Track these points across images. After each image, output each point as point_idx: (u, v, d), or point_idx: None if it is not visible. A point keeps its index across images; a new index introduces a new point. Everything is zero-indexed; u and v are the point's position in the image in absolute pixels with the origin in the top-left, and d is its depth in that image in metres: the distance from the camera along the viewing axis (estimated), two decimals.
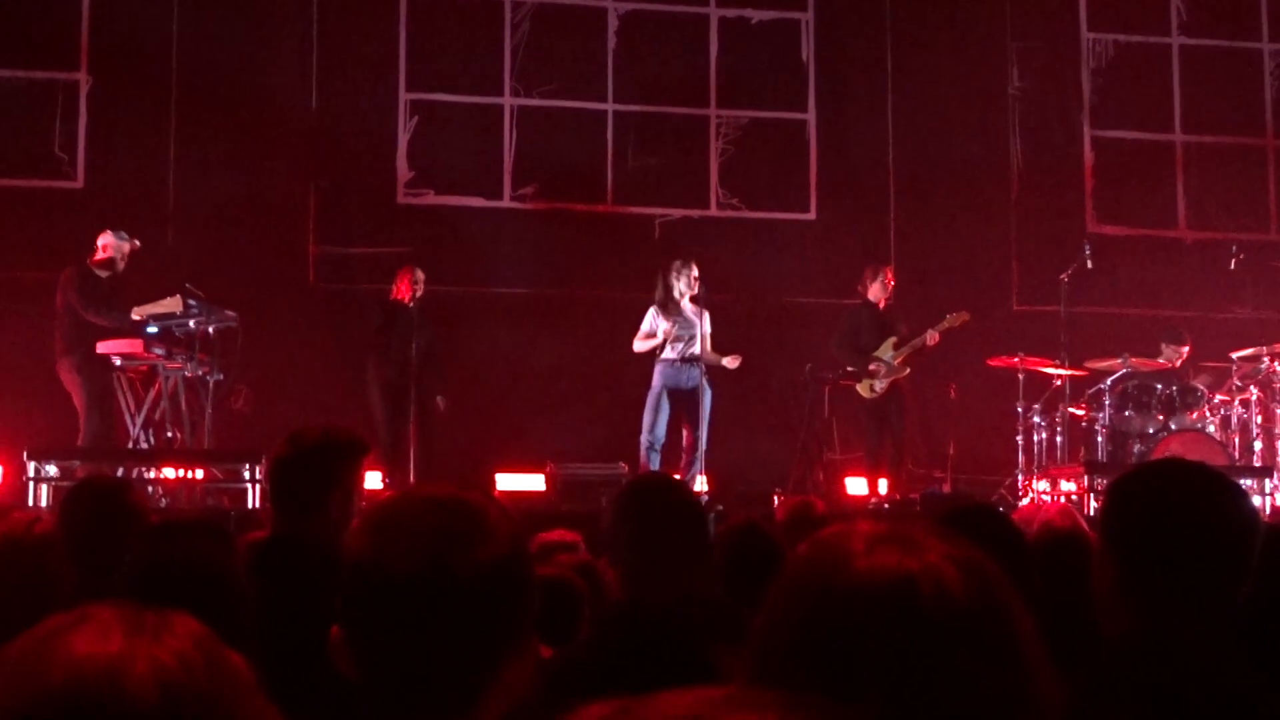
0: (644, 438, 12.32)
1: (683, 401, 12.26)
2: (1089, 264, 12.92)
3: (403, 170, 14.93)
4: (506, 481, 12.14)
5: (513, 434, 13.51)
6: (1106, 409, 12.50)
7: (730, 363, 12.24)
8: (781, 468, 13.03)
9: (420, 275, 12.64)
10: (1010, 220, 15.72)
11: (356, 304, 13.51)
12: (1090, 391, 12.77)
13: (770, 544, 4.76)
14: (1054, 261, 13.48)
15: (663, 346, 12.32)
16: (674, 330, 12.26)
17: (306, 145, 14.54)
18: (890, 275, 12.88)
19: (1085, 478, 11.61)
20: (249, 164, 14.23)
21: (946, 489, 12.54)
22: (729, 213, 15.33)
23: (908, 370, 12.64)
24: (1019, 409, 12.85)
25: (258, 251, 14.01)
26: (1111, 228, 15.88)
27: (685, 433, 12.31)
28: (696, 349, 12.23)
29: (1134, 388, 12.59)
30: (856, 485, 12.48)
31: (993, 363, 12.94)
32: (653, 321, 12.34)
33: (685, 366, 12.23)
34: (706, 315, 12.34)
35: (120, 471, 10.63)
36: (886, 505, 11.87)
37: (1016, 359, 12.77)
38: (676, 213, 15.18)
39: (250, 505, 10.43)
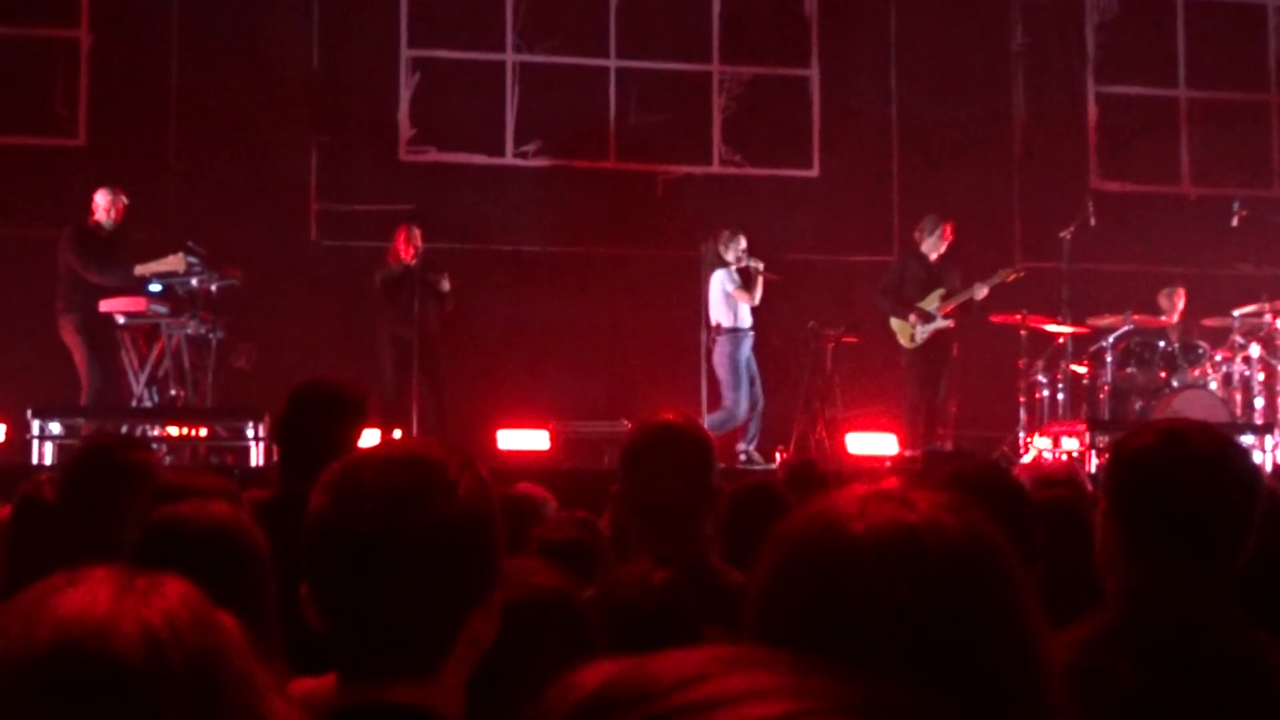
0: (740, 412, 12.40)
1: (749, 370, 12.58)
2: (1091, 220, 12.90)
3: (404, 127, 14.89)
4: (509, 439, 12.16)
5: (516, 392, 13.51)
6: (1108, 366, 12.50)
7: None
8: (784, 426, 13.04)
9: (417, 232, 12.62)
10: (1013, 177, 15.70)
11: (358, 261, 13.50)
12: (1092, 348, 12.77)
13: (784, 506, 4.74)
14: (1057, 218, 13.47)
15: (736, 315, 12.44)
16: (751, 296, 12.45)
17: (308, 102, 14.50)
18: (949, 231, 12.78)
19: (1087, 435, 11.62)
20: (250, 121, 14.19)
21: (948, 446, 12.55)
22: (731, 169, 15.30)
23: (951, 323, 12.60)
24: (1021, 366, 12.86)
25: (259, 209, 13.99)
26: (1114, 184, 15.86)
27: (756, 402, 12.59)
28: (751, 318, 12.55)
29: (1136, 344, 12.59)
30: (859, 442, 12.47)
31: (995, 319, 12.92)
32: (730, 284, 12.45)
33: (747, 336, 12.49)
34: (760, 283, 12.49)
35: (124, 429, 10.65)
36: (887, 464, 11.88)
37: (1019, 316, 12.76)
38: (679, 169, 15.16)
39: (254, 463, 10.45)
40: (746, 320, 12.48)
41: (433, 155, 14.89)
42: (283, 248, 13.99)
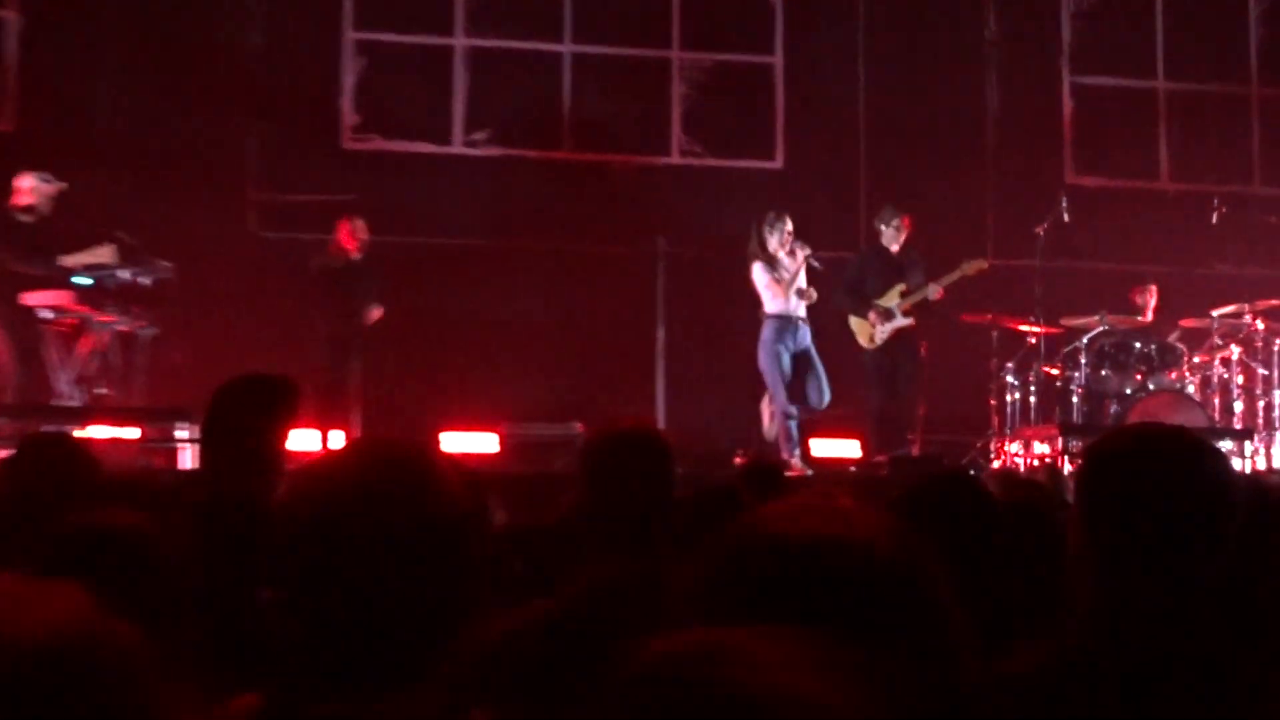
0: (780, 408, 12.04)
1: (794, 365, 12.08)
2: (1066, 217, 12.96)
3: (348, 113, 14.84)
4: (454, 442, 12.14)
5: (462, 392, 13.48)
6: (1082, 368, 12.56)
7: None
8: (744, 426, 13.05)
9: (361, 225, 12.59)
10: (986, 171, 15.74)
11: (299, 253, 13.42)
12: (1066, 350, 12.83)
13: (732, 495, 4.74)
14: (1030, 214, 13.52)
15: (776, 300, 12.07)
16: (784, 288, 12.05)
17: (247, 86, 14.42)
18: (907, 223, 12.70)
19: (1060, 439, 11.68)
20: (186, 105, 14.10)
21: (916, 451, 12.57)
22: (691, 160, 15.30)
23: (911, 321, 12.53)
24: (992, 367, 12.92)
25: (195, 198, 13.88)
26: (1090, 179, 15.93)
27: (806, 393, 12.12)
28: (801, 310, 12.11)
29: (1111, 346, 12.65)
30: (822, 447, 12.49)
31: (966, 319, 12.97)
32: (765, 275, 12.07)
33: (791, 329, 12.04)
34: (802, 271, 12.12)
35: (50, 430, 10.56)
36: (852, 469, 11.89)
37: (990, 316, 12.82)
38: (637, 159, 15.15)
39: (185, 465, 10.39)
40: (788, 307, 12.02)
41: (377, 143, 14.84)
42: (219, 239, 13.90)
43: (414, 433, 12.05)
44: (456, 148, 14.96)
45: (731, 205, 14.67)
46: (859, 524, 1.57)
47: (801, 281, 12.05)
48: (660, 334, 12.95)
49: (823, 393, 11.99)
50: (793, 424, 12.01)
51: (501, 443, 12.14)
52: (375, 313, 12.55)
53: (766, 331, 12.02)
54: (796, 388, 12.07)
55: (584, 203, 14.68)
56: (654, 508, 3.71)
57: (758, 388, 12.53)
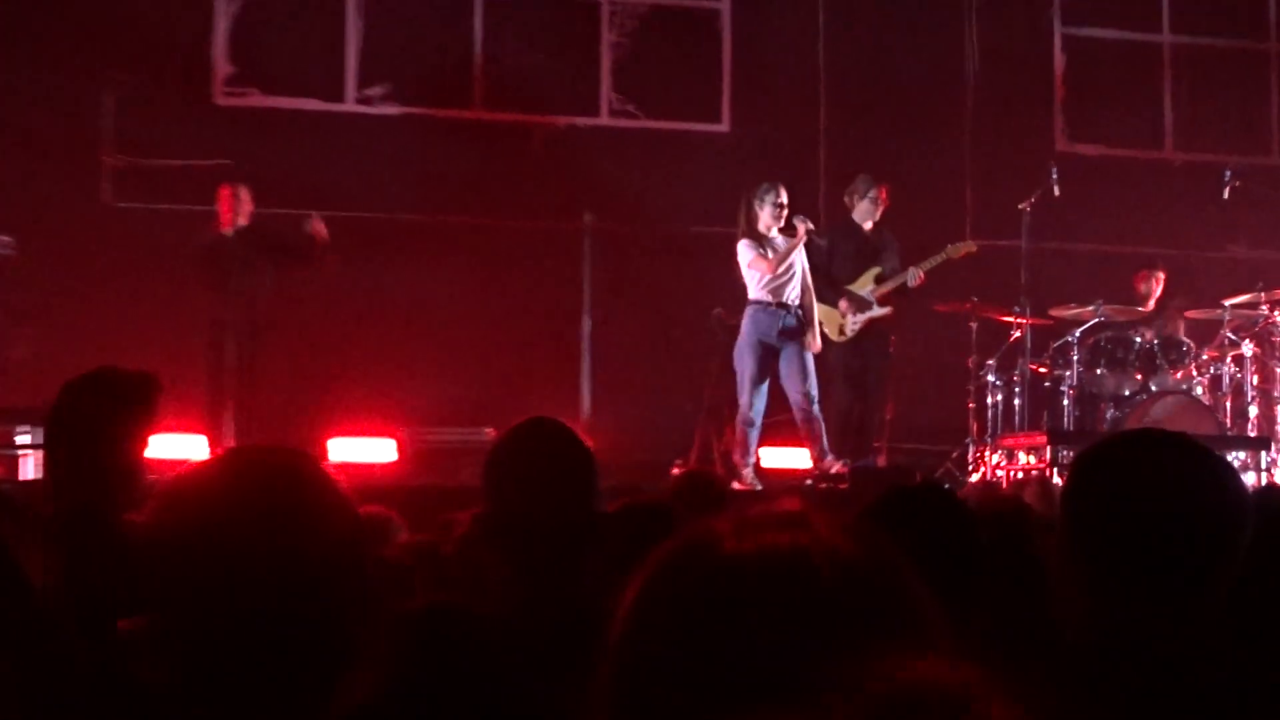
0: (742, 414, 11.95)
1: (779, 358, 11.96)
2: (1056, 190, 13.00)
3: (221, 65, 14.74)
4: (345, 449, 12.15)
5: (355, 391, 13.41)
6: (1074, 366, 12.63)
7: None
8: (683, 434, 13.07)
9: (245, 194, 12.52)
10: (963, 137, 15.79)
11: (163, 227, 13.33)
12: (1056, 344, 12.91)
13: (662, 512, 4.73)
14: (1015, 187, 13.58)
15: (760, 284, 11.94)
16: (772, 265, 11.90)
17: (101, 34, 14.29)
18: (885, 195, 12.71)
19: (1048, 449, 11.74)
20: (29, 56, 13.98)
21: (881, 462, 12.60)
22: (623, 121, 15.29)
23: (888, 311, 12.56)
24: (970, 365, 12.96)
25: (40, 164, 13.76)
26: (1085, 147, 16.02)
27: (797, 403, 11.98)
28: (797, 292, 12.00)
29: (1108, 341, 12.74)
30: (773, 456, 12.50)
31: (941, 309, 13.02)
32: (749, 253, 11.95)
33: (782, 313, 11.93)
34: (802, 250, 12.04)
35: None
36: (808, 481, 11.91)
37: (969, 304, 12.86)
38: (560, 120, 15.13)
39: (26, 475, 10.32)
40: (774, 291, 11.95)
41: (256, 99, 14.76)
42: (68, 211, 13.78)
43: (297, 439, 12.00)
44: (349, 105, 14.89)
45: (670, 174, 14.70)
46: (821, 529, 1.56)
47: (801, 262, 12.03)
48: (586, 325, 12.96)
49: (805, 401, 11.89)
50: (752, 432, 11.98)
51: (401, 450, 12.11)
52: (315, 223, 12.46)
53: (745, 321, 11.99)
54: (775, 387, 12.04)
55: (498, 171, 14.65)
56: (571, 525, 3.71)
57: (710, 389, 12.57)
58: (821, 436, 11.91)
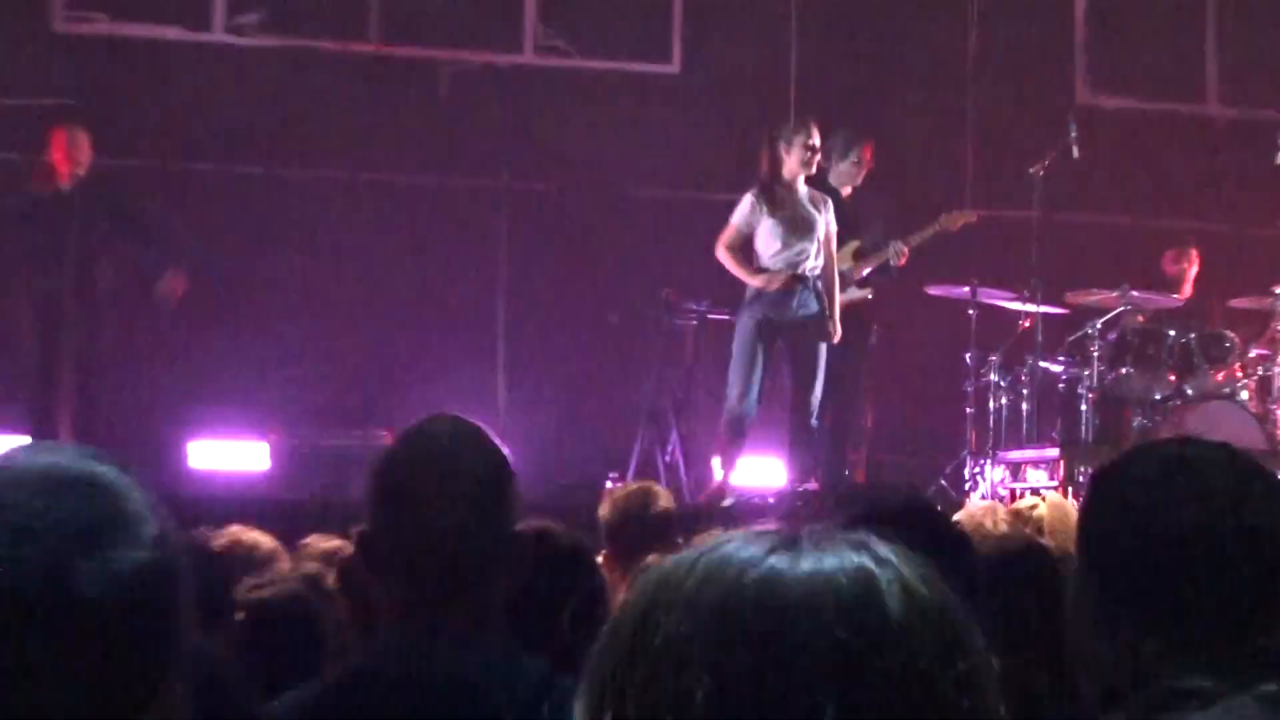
0: (729, 406, 11.93)
1: (788, 344, 11.95)
2: (1075, 151, 13.05)
3: None
4: (208, 454, 12.26)
5: (221, 384, 13.38)
6: (1095, 363, 12.65)
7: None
8: (620, 442, 13.06)
9: (81, 139, 12.44)
10: (965, 85, 15.80)
11: None
12: (1073, 338, 12.96)
13: (577, 560, 4.71)
14: (1025, 147, 13.64)
15: (767, 256, 11.90)
16: (779, 232, 11.85)
17: None
18: (869, 153, 12.76)
19: (1062, 464, 11.76)
20: None
21: (860, 477, 12.61)
22: (551, 60, 15.26)
23: (869, 293, 12.60)
24: (969, 360, 12.98)
25: None
26: (1110, 99, 16.04)
27: (791, 391, 12.00)
28: (812, 262, 11.94)
29: (1135, 333, 12.79)
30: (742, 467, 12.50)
31: (933, 291, 13.03)
32: (746, 216, 11.93)
33: (794, 290, 11.88)
34: (829, 210, 12.01)
35: None
36: (771, 500, 11.89)
37: (968, 288, 12.88)
38: (474, 57, 15.10)
39: None
40: (784, 262, 11.87)
41: (103, 27, 14.67)
42: None
43: (151, 441, 11.97)
44: (217, 34, 14.82)
45: (607, 124, 14.66)
46: (881, 551, 1.58)
47: (831, 223, 11.98)
48: (501, 308, 12.90)
49: (810, 401, 11.92)
50: (739, 433, 11.98)
51: (275, 456, 12.09)
52: (172, 283, 12.43)
53: (743, 310, 12.02)
54: (778, 379, 12.06)
55: (397, 118, 14.62)
56: (478, 551, 3.67)
57: (654, 387, 12.56)
58: (811, 452, 11.98)
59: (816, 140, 11.91)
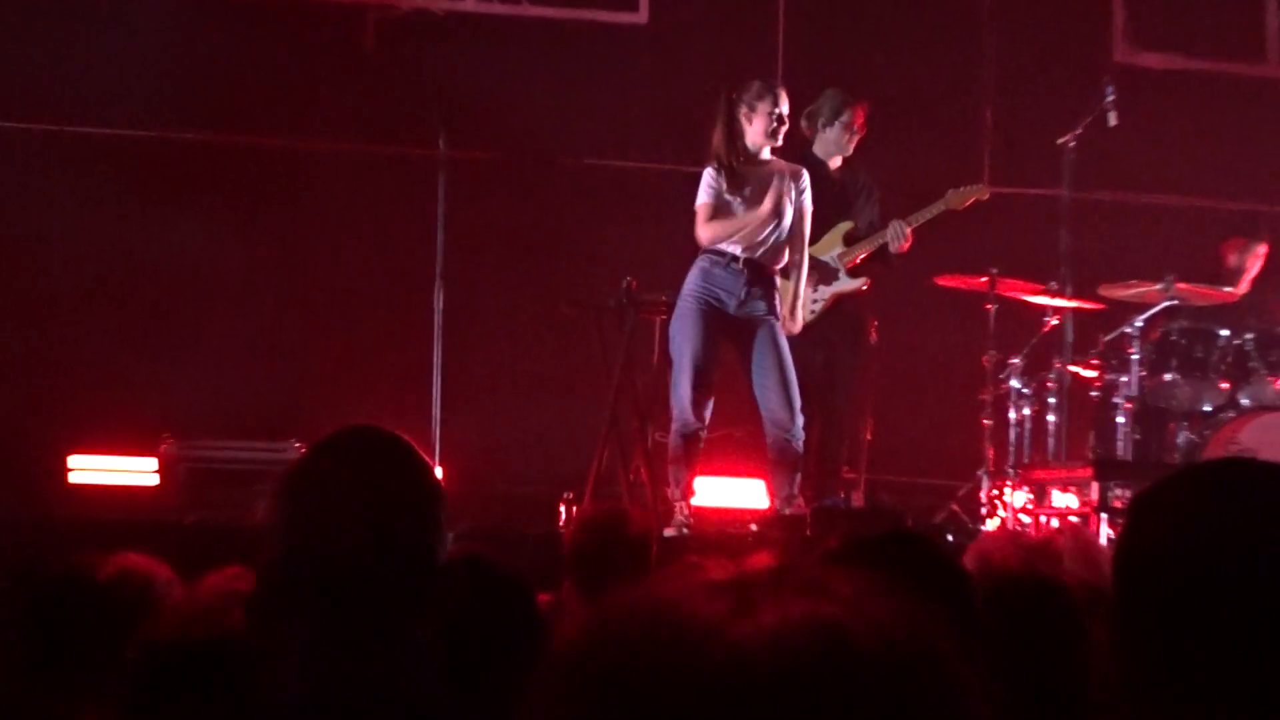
0: (679, 420, 11.93)
1: (739, 339, 11.92)
2: (1113, 119, 13.06)
3: None
4: (90, 468, 12.33)
5: (105, 387, 13.41)
6: (1134, 369, 12.66)
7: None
8: (578, 456, 13.05)
9: None
10: (983, 39, 15.87)
11: None
12: (1108, 338, 12.99)
13: (515, 592, 4.72)
14: (1053, 114, 13.66)
15: (715, 233, 11.86)
16: (741, 212, 11.83)
17: None
18: (861, 115, 12.73)
19: (1094, 486, 11.75)
20: None
21: (857, 501, 12.62)
22: (496, 6, 15.29)
23: (864, 284, 12.64)
24: (987, 365, 12.98)
25: None
26: (1153, 57, 16.11)
27: (761, 403, 11.92)
28: (777, 241, 11.96)
29: (1181, 334, 12.82)
30: (707, 490, 12.50)
31: (943, 283, 13.04)
32: (713, 185, 11.88)
33: (750, 273, 11.87)
34: (804, 184, 12.03)
35: None
36: (753, 526, 11.91)
37: (985, 279, 12.88)
38: (405, 3, 15.10)
39: None
40: (740, 240, 11.87)
41: None
42: None
43: (25, 452, 12.00)
44: None
45: (562, 84, 14.68)
46: (850, 594, 1.58)
47: (806, 201, 12.02)
48: (439, 297, 12.84)
49: (790, 402, 11.83)
50: (691, 449, 11.97)
51: (165, 471, 12.10)
52: None
53: (690, 280, 11.98)
54: (744, 392, 12.02)
55: (315, 74, 14.69)
56: (400, 577, 3.61)
57: (615, 391, 12.54)
58: (797, 472, 11.91)
59: (784, 107, 11.89)
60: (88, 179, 14.18)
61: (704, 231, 11.79)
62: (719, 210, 11.77)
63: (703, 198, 11.83)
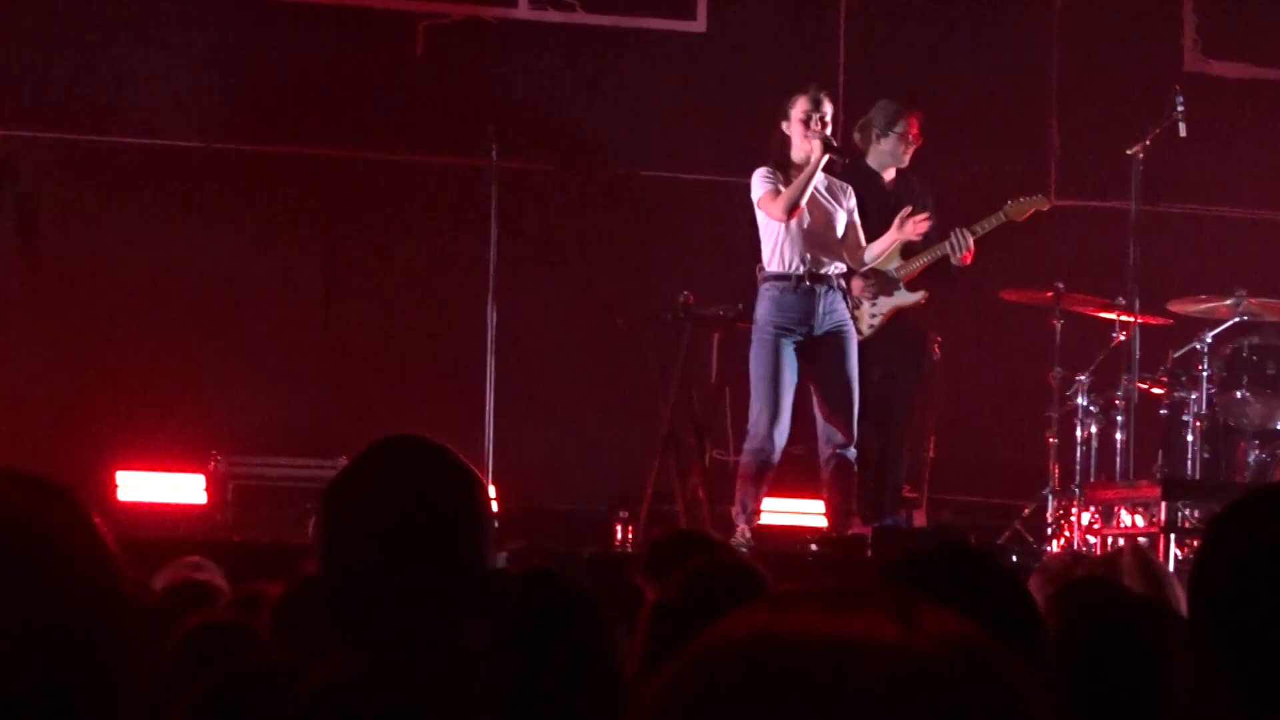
0: (753, 440, 11.95)
1: (812, 360, 11.95)
2: (1183, 130, 12.99)
3: None
4: (138, 486, 12.41)
5: (153, 404, 13.42)
6: (1204, 386, 12.60)
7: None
8: (633, 473, 13.03)
9: None
10: (1049, 51, 15.82)
11: None
12: (1177, 354, 12.89)
13: (585, 611, 4.67)
14: (1121, 125, 13.58)
15: (781, 250, 11.91)
16: (797, 220, 11.86)
17: None
18: (916, 127, 12.75)
19: (1163, 506, 11.70)
20: None
21: (918, 520, 12.58)
22: (550, 14, 15.26)
23: (922, 297, 12.63)
24: (1053, 382, 12.93)
25: None
26: (1225, 65, 16.03)
27: (821, 417, 11.98)
28: (835, 259, 12.01)
29: (1253, 350, 12.71)
30: (770, 507, 12.48)
31: (1008, 297, 12.99)
32: (768, 177, 11.90)
33: (815, 292, 11.91)
34: (850, 198, 12.09)
35: None
36: (813, 545, 11.88)
37: (1050, 294, 12.84)
38: (457, 10, 15.09)
39: None
40: (799, 257, 11.91)
41: None
42: None
43: (70, 469, 11.96)
44: None
45: (618, 93, 14.67)
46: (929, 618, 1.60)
47: (843, 216, 12.02)
48: (491, 310, 12.82)
49: (849, 420, 11.87)
50: (765, 469, 11.97)
51: (213, 489, 12.10)
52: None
53: (760, 306, 11.99)
54: (804, 400, 12.03)
55: (364, 82, 14.67)
56: (447, 594, 3.58)
57: (671, 407, 12.51)
58: (854, 490, 11.94)
59: (827, 108, 11.97)
60: (134, 191, 14.21)
61: (774, 207, 11.81)
62: (772, 193, 11.77)
63: (762, 187, 11.87)
